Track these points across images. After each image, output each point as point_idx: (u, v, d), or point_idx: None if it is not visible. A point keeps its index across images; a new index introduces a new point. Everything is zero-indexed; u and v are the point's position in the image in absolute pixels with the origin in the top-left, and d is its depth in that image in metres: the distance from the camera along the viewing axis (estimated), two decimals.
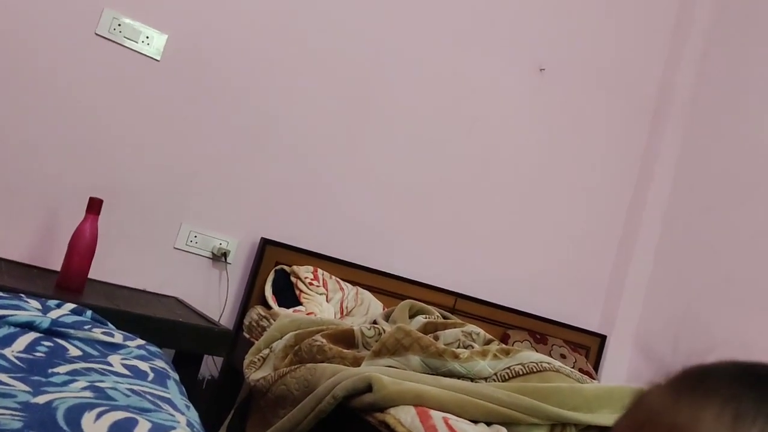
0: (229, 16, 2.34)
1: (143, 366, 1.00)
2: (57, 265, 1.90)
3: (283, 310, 2.17)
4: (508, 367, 1.53)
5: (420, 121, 2.74)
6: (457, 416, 1.32)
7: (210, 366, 2.34)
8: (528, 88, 3.02)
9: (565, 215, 3.17)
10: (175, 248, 2.29)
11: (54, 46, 2.08)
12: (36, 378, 0.80)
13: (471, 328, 1.93)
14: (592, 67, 3.19)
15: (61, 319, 1.10)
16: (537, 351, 2.82)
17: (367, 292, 2.47)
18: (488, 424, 1.35)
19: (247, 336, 2.17)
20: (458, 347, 1.78)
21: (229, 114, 2.36)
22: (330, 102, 2.54)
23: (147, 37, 2.20)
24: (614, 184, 3.32)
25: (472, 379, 1.52)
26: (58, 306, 1.21)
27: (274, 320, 2.01)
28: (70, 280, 1.80)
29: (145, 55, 2.21)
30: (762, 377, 0.42)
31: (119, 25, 2.16)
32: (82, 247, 1.81)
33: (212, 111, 2.33)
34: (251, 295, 2.35)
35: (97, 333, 1.08)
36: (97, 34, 2.14)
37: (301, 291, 2.26)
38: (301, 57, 2.48)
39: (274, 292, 2.30)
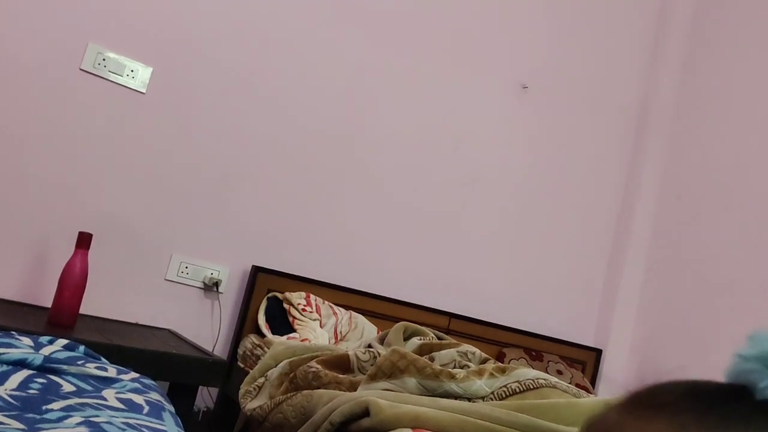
0: (213, 46, 2.35)
1: (138, 399, 0.99)
2: (48, 301, 1.89)
3: (277, 338, 2.16)
4: (505, 385, 1.52)
5: (406, 143, 2.76)
6: None
7: (205, 397, 2.32)
8: (511, 105, 3.05)
9: (555, 231, 3.19)
10: (166, 280, 2.28)
11: (39, 82, 2.09)
12: (30, 415, 0.80)
13: (466, 347, 1.93)
14: (573, 82, 3.22)
15: (53, 355, 1.09)
16: (533, 368, 2.82)
17: (360, 316, 2.46)
18: None
19: (242, 365, 2.16)
20: (454, 368, 1.78)
21: (215, 143, 2.36)
22: (316, 128, 2.56)
23: (132, 71, 2.21)
24: (602, 197, 3.34)
25: (469, 399, 1.51)
26: (51, 342, 1.20)
27: (268, 348, 2.00)
28: (62, 317, 1.79)
29: (131, 88, 2.22)
30: (707, 394, 0.44)
31: (104, 59, 2.17)
32: (72, 283, 1.81)
33: (199, 141, 2.33)
34: (244, 324, 2.34)
35: (91, 368, 1.07)
36: (82, 70, 2.15)
37: (294, 317, 2.26)
38: (285, 85, 2.49)
39: (267, 320, 2.29)
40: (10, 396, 0.86)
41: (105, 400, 0.94)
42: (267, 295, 2.36)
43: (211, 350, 2.28)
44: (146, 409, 0.97)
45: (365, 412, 1.37)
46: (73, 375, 1.02)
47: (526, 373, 1.55)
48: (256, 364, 1.97)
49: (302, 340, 2.13)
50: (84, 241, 1.86)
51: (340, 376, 1.67)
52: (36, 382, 0.94)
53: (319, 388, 1.62)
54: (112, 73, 2.19)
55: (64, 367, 1.02)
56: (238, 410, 1.85)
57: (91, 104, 2.16)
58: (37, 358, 1.02)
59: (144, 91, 2.24)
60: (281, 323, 2.27)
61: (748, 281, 2.81)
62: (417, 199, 2.79)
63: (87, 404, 0.89)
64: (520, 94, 3.08)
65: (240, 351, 2.25)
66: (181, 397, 1.79)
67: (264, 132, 2.46)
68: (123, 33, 2.21)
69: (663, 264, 3.22)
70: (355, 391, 1.56)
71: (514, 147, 3.07)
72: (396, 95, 2.74)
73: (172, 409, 1.09)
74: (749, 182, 2.94)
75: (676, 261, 3.17)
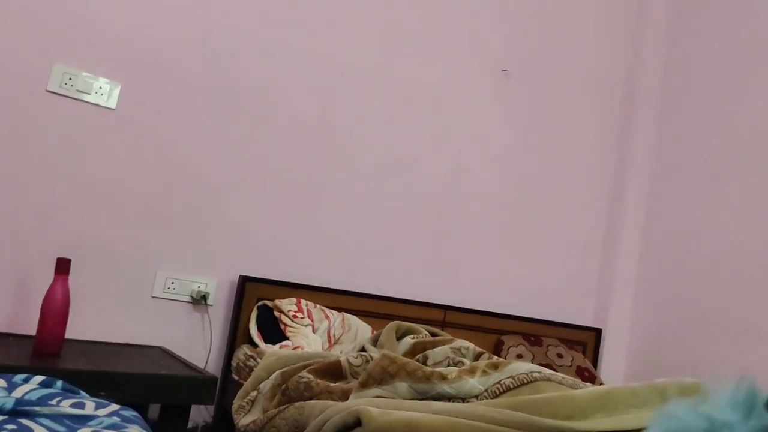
0: (180, 58, 2.31)
1: None
2: (33, 329, 1.85)
3: (269, 347, 2.14)
4: (499, 382, 1.49)
5: (388, 139, 2.73)
6: None
7: (203, 412, 2.29)
8: (493, 91, 3.01)
9: (547, 214, 3.16)
10: (152, 297, 2.25)
11: (5, 108, 2.05)
12: None
13: (460, 343, 1.90)
14: (555, 63, 3.19)
15: (26, 397, 1.06)
16: (532, 353, 2.80)
17: (353, 317, 2.43)
18: None
19: (236, 377, 2.13)
20: (448, 365, 1.76)
21: (192, 156, 2.33)
22: (294, 131, 2.52)
23: (100, 88, 2.17)
24: (593, 176, 3.31)
25: (463, 399, 1.49)
26: (26, 380, 1.16)
27: (261, 359, 1.97)
28: (46, 345, 1.76)
29: (100, 105, 2.18)
30: None
31: (70, 79, 2.13)
32: (54, 311, 1.77)
33: (174, 155, 2.30)
34: (236, 335, 2.31)
35: (66, 406, 1.04)
36: (48, 91, 2.10)
37: (286, 325, 2.23)
38: (258, 90, 2.45)
39: (259, 329, 2.26)
40: None
41: None
42: (257, 304, 2.33)
43: (204, 364, 2.25)
44: None
45: (357, 422, 1.35)
46: (47, 416, 0.98)
47: (519, 367, 1.52)
48: (250, 375, 1.94)
49: (295, 348, 2.11)
50: (63, 266, 1.83)
51: (332, 384, 1.64)
52: (5, 429, 0.91)
53: (311, 398, 1.59)
54: (80, 92, 2.15)
55: (37, 408, 0.99)
56: (235, 424, 1.83)
57: (61, 126, 2.12)
58: (8, 402, 0.98)
59: (114, 107, 2.20)
60: (273, 331, 2.24)
61: (745, 252, 2.78)
62: (403, 193, 2.76)
63: None
64: (502, 79, 3.04)
65: (233, 363, 2.22)
66: (174, 418, 1.77)
67: (240, 140, 2.42)
68: (87, 51, 2.17)
69: (659, 239, 3.20)
70: (348, 399, 1.53)
71: (500, 132, 3.04)
72: (374, 92, 2.70)
73: None
74: (740, 151, 2.91)
75: (671, 235, 3.14)
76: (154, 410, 1.82)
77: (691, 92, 3.20)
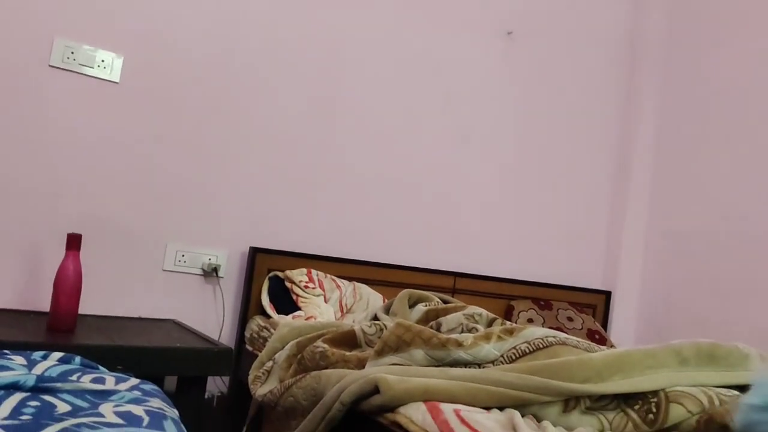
0: (182, 28, 2.28)
1: (137, 410, 0.96)
2: (47, 305, 1.86)
3: (282, 318, 2.14)
4: (514, 347, 1.50)
5: (393, 105, 2.70)
6: (469, 406, 1.29)
7: (218, 382, 2.31)
8: (499, 53, 2.98)
9: (555, 177, 3.14)
10: (164, 270, 2.25)
11: (8, 84, 2.03)
12: None
13: (472, 309, 1.90)
14: (559, 21, 3.14)
15: (47, 373, 1.07)
16: (543, 317, 2.81)
17: (364, 286, 2.44)
18: (501, 408, 1.32)
19: (250, 348, 2.14)
20: (462, 331, 1.76)
21: (198, 127, 2.31)
22: (299, 100, 2.50)
23: (102, 61, 2.15)
24: (600, 137, 3.28)
25: (479, 365, 1.49)
26: (45, 357, 1.17)
27: (275, 329, 1.98)
28: (61, 321, 1.77)
29: (104, 79, 2.16)
30: None
31: (72, 53, 2.10)
32: (67, 287, 1.78)
33: (181, 127, 2.28)
34: (248, 306, 2.31)
35: (86, 382, 1.04)
36: (51, 66, 2.08)
37: (297, 295, 2.23)
38: (260, 57, 2.42)
39: (271, 300, 2.27)
40: (3, 426, 0.83)
41: (102, 416, 0.92)
42: (268, 275, 2.34)
43: (217, 336, 2.27)
44: (146, 420, 0.94)
45: (375, 390, 1.35)
46: (68, 392, 0.99)
47: (534, 332, 1.52)
48: (264, 346, 1.95)
49: (307, 318, 2.11)
50: (73, 242, 1.82)
51: (348, 353, 1.65)
52: (29, 406, 0.91)
53: (327, 367, 1.60)
54: (83, 65, 2.13)
55: (59, 384, 0.99)
56: (251, 395, 1.84)
57: (65, 100, 2.10)
58: (30, 379, 0.99)
59: (118, 80, 2.18)
60: (285, 302, 2.25)
61: (754, 209, 2.77)
62: (411, 160, 2.74)
63: (83, 424, 0.87)
64: (506, 41, 3.00)
65: (247, 334, 2.23)
66: (191, 389, 1.79)
67: (246, 110, 2.40)
68: (89, 24, 2.14)
69: (667, 200, 3.18)
70: (364, 368, 1.54)
71: (505, 95, 3.01)
72: (377, 57, 2.67)
73: (176, 413, 1.06)
74: (749, 106, 2.88)
75: (680, 194, 3.13)
76: (171, 382, 1.83)
77: (697, 50, 3.16)
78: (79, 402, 0.97)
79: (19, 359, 1.11)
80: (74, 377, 1.08)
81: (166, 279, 2.26)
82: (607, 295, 3.20)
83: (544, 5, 3.10)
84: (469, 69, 2.90)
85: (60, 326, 1.76)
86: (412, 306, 2.09)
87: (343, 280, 2.40)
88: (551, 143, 3.13)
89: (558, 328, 2.66)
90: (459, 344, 1.50)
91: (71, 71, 2.11)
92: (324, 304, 2.24)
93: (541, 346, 1.48)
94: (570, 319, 2.89)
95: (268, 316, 2.21)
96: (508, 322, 1.78)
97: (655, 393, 1.28)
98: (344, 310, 2.31)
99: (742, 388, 1.33)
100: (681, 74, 3.22)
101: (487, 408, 1.31)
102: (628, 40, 3.35)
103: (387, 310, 2.13)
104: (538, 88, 3.10)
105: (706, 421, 1.13)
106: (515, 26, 3.00)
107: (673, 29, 3.29)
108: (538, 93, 3.10)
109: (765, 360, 1.56)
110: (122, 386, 1.08)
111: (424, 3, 2.77)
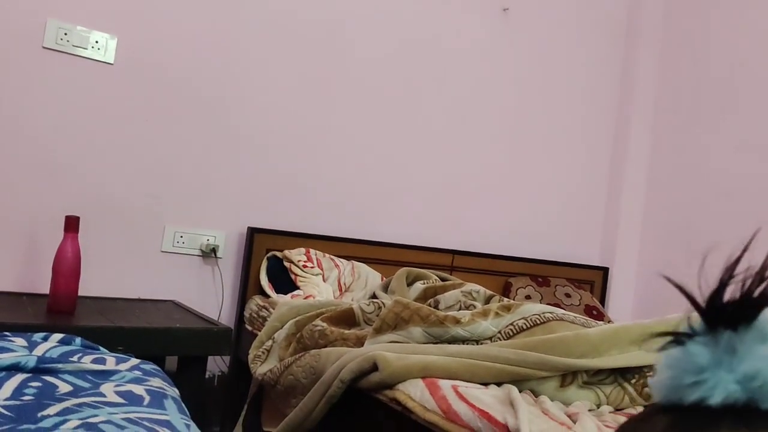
0: (177, 9, 2.26)
1: (138, 390, 0.97)
2: (46, 288, 1.86)
3: (281, 297, 2.15)
4: (512, 323, 1.51)
5: (388, 82, 2.69)
6: (467, 382, 1.31)
7: (219, 362, 2.33)
8: (494, 31, 2.96)
9: (550, 154, 3.14)
10: (162, 251, 2.25)
11: (2, 67, 2.01)
12: (25, 426, 0.78)
13: (470, 286, 1.91)
14: (555, 0, 3.12)
15: (48, 354, 1.07)
16: (540, 294, 2.83)
17: (363, 265, 2.44)
18: (498, 384, 1.34)
19: (250, 328, 2.15)
20: (460, 309, 1.77)
21: (193, 108, 2.30)
22: (294, 78, 2.48)
23: (96, 42, 2.13)
24: (595, 115, 3.28)
25: (477, 342, 1.50)
26: (45, 338, 1.18)
27: (274, 309, 1.99)
28: (60, 303, 1.77)
29: (98, 60, 2.14)
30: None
31: (65, 34, 2.08)
32: (66, 269, 1.78)
33: (176, 107, 2.27)
34: (247, 286, 2.32)
35: (87, 362, 1.05)
36: (45, 48, 2.07)
37: (296, 275, 2.24)
38: (257, 35, 2.41)
39: (269, 280, 2.28)
40: (4, 407, 0.84)
41: (104, 396, 0.93)
42: (266, 255, 2.34)
43: (217, 316, 2.28)
44: (147, 399, 0.95)
45: (374, 367, 1.37)
46: (69, 373, 1.00)
47: (531, 308, 1.53)
48: (263, 325, 1.96)
49: (306, 297, 2.12)
50: (72, 224, 1.82)
51: (346, 331, 1.66)
52: (30, 386, 0.92)
53: (326, 346, 1.61)
54: (77, 47, 2.11)
55: (59, 365, 1.00)
56: (251, 374, 1.86)
57: (59, 82, 2.09)
58: (31, 360, 0.99)
59: (112, 61, 2.16)
60: (284, 282, 2.26)
61: (750, 185, 2.77)
62: (409, 139, 2.73)
63: (84, 404, 0.88)
64: (502, 17, 2.98)
65: (246, 314, 2.24)
66: (191, 369, 1.80)
67: (242, 90, 2.38)
68: (82, 4, 2.12)
69: (664, 175, 3.18)
70: (362, 345, 1.55)
71: (501, 74, 2.99)
72: (371, 35, 2.65)
73: (176, 392, 1.07)
74: (744, 83, 2.87)
75: (677, 171, 3.13)
76: (171, 363, 1.85)
77: (694, 24, 3.14)
78: (80, 382, 0.97)
79: (19, 341, 1.11)
80: (75, 358, 1.09)
81: (165, 260, 2.26)
82: (605, 271, 3.21)
83: None
84: (466, 47, 2.88)
85: (60, 308, 1.77)
86: (410, 284, 2.10)
87: (341, 259, 2.41)
88: (548, 121, 3.13)
89: (556, 305, 2.67)
90: (457, 321, 1.51)
91: (65, 53, 2.10)
92: (322, 283, 2.25)
93: (538, 322, 1.50)
94: (568, 295, 2.90)
95: (267, 296, 2.22)
96: (505, 299, 1.79)
97: (651, 367, 1.29)
98: (343, 289, 2.32)
99: None
100: (677, 50, 3.20)
101: (485, 384, 1.32)
102: (625, 14, 3.33)
103: (385, 289, 2.15)
104: (534, 66, 3.08)
105: None
106: (511, 3, 2.98)
107: (670, 6, 3.27)
108: (535, 70, 3.09)
109: None
110: (123, 366, 1.09)
111: None
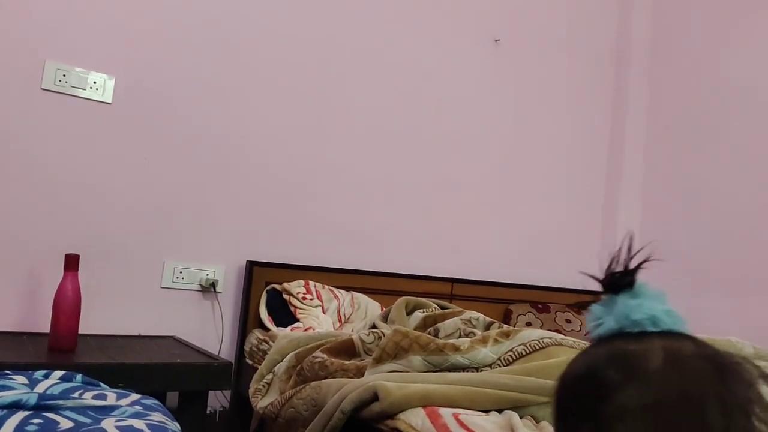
0: (173, 49, 2.30)
1: (139, 425, 0.98)
2: (46, 326, 1.87)
3: (281, 330, 2.15)
4: (511, 350, 1.51)
5: (383, 114, 2.72)
6: (467, 409, 1.31)
7: (219, 397, 2.32)
8: (486, 60, 3.00)
9: (547, 180, 3.16)
10: (162, 288, 2.26)
11: (1, 108, 2.04)
12: None
13: (470, 314, 1.92)
14: (545, 29, 3.17)
15: (49, 391, 1.08)
16: (541, 320, 2.82)
17: (362, 296, 2.45)
18: (499, 411, 1.33)
19: (250, 362, 2.15)
20: (459, 336, 1.77)
21: (191, 145, 2.33)
22: (290, 114, 2.52)
23: (94, 82, 2.17)
24: (589, 140, 3.31)
25: (477, 369, 1.50)
26: (46, 376, 1.18)
27: (274, 342, 1.99)
28: (61, 342, 1.78)
29: (96, 100, 2.18)
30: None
31: (64, 75, 2.12)
32: (66, 307, 1.79)
33: (174, 145, 2.30)
34: (247, 320, 2.33)
35: (88, 398, 1.06)
36: (43, 89, 2.10)
37: (295, 307, 2.25)
38: (250, 72, 2.45)
39: (269, 313, 2.28)
40: None
41: (105, 431, 0.93)
42: (266, 288, 2.35)
43: (217, 351, 2.27)
44: None
45: (375, 397, 1.37)
46: (71, 409, 1.00)
47: (530, 334, 1.54)
48: (264, 359, 1.96)
49: (306, 329, 2.13)
50: (72, 263, 1.84)
51: (346, 362, 1.66)
52: (32, 423, 0.93)
53: (326, 377, 1.61)
54: (75, 87, 2.15)
55: (61, 402, 1.01)
56: (252, 408, 1.85)
57: (58, 123, 2.12)
58: (32, 398, 1.00)
59: (110, 101, 2.20)
60: (284, 314, 2.26)
61: (745, 205, 2.79)
62: (403, 168, 2.76)
63: None
64: (494, 48, 3.03)
65: (246, 348, 2.24)
66: (192, 404, 1.80)
67: (238, 127, 2.42)
68: (79, 46, 2.16)
69: (659, 199, 3.21)
70: (363, 376, 1.55)
71: (495, 102, 3.03)
72: (365, 68, 2.69)
73: (177, 427, 1.08)
74: (733, 103, 2.91)
75: (672, 194, 3.15)
76: (172, 398, 1.85)
77: (682, 48, 3.19)
78: (81, 418, 0.98)
79: (20, 379, 1.12)
80: (76, 394, 1.09)
81: (165, 296, 2.27)
82: None
83: (529, 14, 3.13)
84: (459, 76, 2.93)
85: (61, 346, 1.77)
86: (410, 313, 2.10)
87: (340, 290, 2.41)
88: (543, 148, 3.16)
89: (557, 331, 2.67)
90: (456, 349, 1.52)
91: (64, 93, 2.13)
92: (322, 314, 2.26)
93: (537, 347, 1.50)
94: (568, 321, 2.90)
95: (267, 329, 2.22)
96: (505, 326, 1.80)
97: None
98: (343, 320, 2.32)
99: None
100: (667, 76, 3.25)
101: (486, 411, 1.32)
102: (614, 44, 3.38)
103: (385, 318, 2.15)
104: (527, 95, 3.12)
105: None
106: (502, 34, 3.03)
107: (658, 32, 3.32)
108: (528, 99, 3.13)
109: (759, 353, 1.58)
110: (124, 402, 1.09)
111: (413, 14, 2.80)
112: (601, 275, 0.69)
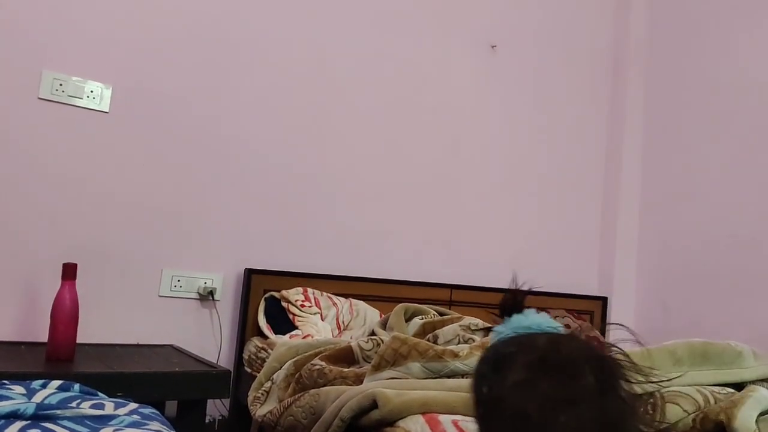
0: (169, 57, 2.31)
1: None
2: (44, 336, 1.86)
3: (279, 338, 2.15)
4: None
5: (380, 121, 2.73)
6: (467, 416, 1.30)
7: (219, 405, 2.31)
8: (483, 67, 3.01)
9: (545, 185, 3.16)
10: (160, 296, 2.26)
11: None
12: None
13: (469, 320, 1.92)
14: (541, 34, 3.18)
15: (46, 401, 1.07)
16: None
17: (361, 302, 2.45)
18: None
19: (249, 370, 2.15)
20: (459, 342, 1.77)
21: (189, 153, 2.33)
22: (287, 120, 2.52)
23: (91, 91, 2.17)
24: (587, 144, 3.31)
25: None
26: (44, 385, 1.18)
27: (273, 350, 1.99)
28: (59, 351, 1.77)
29: (93, 109, 2.18)
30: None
31: (61, 84, 2.12)
32: (64, 316, 1.78)
33: (170, 153, 2.30)
34: (246, 328, 2.32)
35: (86, 408, 1.05)
36: (40, 99, 2.10)
37: (294, 314, 2.24)
38: (249, 82, 2.45)
39: (268, 321, 2.28)
40: None
41: None
42: (264, 296, 2.35)
43: (216, 359, 2.27)
44: None
45: (374, 404, 1.36)
46: (68, 419, 1.00)
47: None
48: (262, 367, 1.96)
49: (304, 337, 2.12)
50: (69, 272, 1.83)
51: (345, 370, 1.66)
52: None
53: (325, 385, 1.61)
54: (72, 96, 2.15)
55: (58, 412, 1.00)
56: (251, 416, 1.85)
57: (56, 132, 2.12)
58: (30, 407, 0.99)
59: (107, 110, 2.20)
60: (282, 322, 2.26)
61: (743, 208, 2.79)
62: (402, 175, 2.76)
63: None
64: (490, 54, 3.04)
65: (245, 356, 2.24)
66: (191, 412, 1.79)
67: (236, 133, 2.42)
68: (76, 55, 2.16)
69: (657, 201, 3.21)
70: (362, 383, 1.55)
71: (492, 108, 3.04)
72: (363, 75, 2.70)
73: None
74: (731, 105, 2.92)
75: (669, 196, 3.15)
76: (171, 407, 1.84)
77: (678, 50, 3.20)
78: (79, 428, 0.97)
79: (18, 388, 1.11)
80: (74, 404, 1.09)
81: (163, 304, 2.27)
82: (604, 300, 3.21)
83: (525, 19, 3.14)
84: (456, 82, 2.93)
85: (59, 355, 1.77)
86: (408, 320, 2.10)
87: (339, 297, 2.41)
88: (540, 153, 3.16)
89: None
90: (455, 355, 1.52)
91: (61, 103, 2.13)
92: (321, 322, 2.25)
93: None
94: (568, 326, 2.88)
95: (266, 337, 2.22)
96: None
97: (650, 394, 1.29)
98: (341, 327, 2.32)
99: (737, 386, 1.34)
100: (664, 79, 3.26)
101: None
102: (611, 48, 3.39)
103: (384, 325, 2.14)
104: (525, 101, 3.13)
105: (701, 420, 1.14)
106: (498, 40, 3.04)
107: (654, 36, 3.33)
108: (525, 105, 3.13)
109: (757, 356, 1.58)
110: (122, 411, 1.09)
111: (410, 20, 2.81)
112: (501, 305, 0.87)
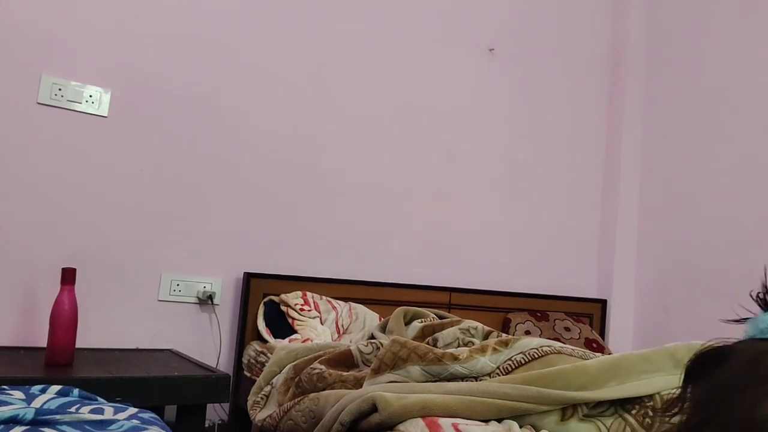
0: (168, 61, 2.31)
1: None
2: (43, 341, 1.86)
3: (279, 342, 2.15)
4: (510, 358, 1.51)
5: (379, 125, 2.73)
6: (467, 419, 1.30)
7: (218, 410, 2.31)
8: (481, 69, 3.01)
9: (544, 188, 3.17)
10: (159, 300, 2.26)
11: None
12: None
13: (468, 323, 1.91)
14: (540, 37, 3.19)
15: (45, 406, 1.07)
16: (540, 329, 2.82)
17: (360, 306, 2.45)
18: (499, 420, 1.33)
19: (248, 374, 2.14)
20: (458, 346, 1.77)
21: (187, 158, 2.33)
22: (285, 124, 2.52)
23: (90, 96, 2.17)
24: (586, 147, 3.32)
25: (476, 378, 1.50)
26: (43, 390, 1.17)
27: (272, 354, 1.99)
28: (58, 356, 1.77)
29: (92, 114, 2.18)
30: None
31: (60, 89, 2.12)
32: (63, 321, 1.78)
33: (170, 157, 2.30)
34: (245, 332, 2.32)
35: (85, 413, 1.05)
36: (39, 103, 2.10)
37: (293, 318, 2.24)
38: (247, 86, 2.45)
39: (267, 325, 2.28)
40: None
41: None
42: (263, 300, 2.34)
43: (215, 364, 2.27)
44: None
45: (373, 408, 1.36)
46: (68, 424, 0.99)
47: (528, 342, 1.53)
48: (262, 371, 1.95)
49: (304, 341, 2.12)
50: (68, 276, 1.83)
51: (345, 373, 1.65)
52: None
53: (325, 389, 1.60)
54: (71, 101, 2.15)
55: (58, 417, 1.00)
56: (251, 420, 1.84)
57: (55, 136, 2.12)
58: (29, 413, 0.99)
59: (106, 114, 2.20)
60: (281, 326, 2.26)
61: (742, 210, 2.79)
62: (400, 178, 2.76)
63: None
64: (489, 58, 3.04)
65: (244, 360, 2.23)
66: (191, 418, 1.79)
67: (233, 138, 2.42)
68: (75, 60, 2.16)
69: (656, 204, 3.21)
70: (361, 387, 1.55)
71: (491, 111, 3.04)
72: (361, 80, 2.70)
73: None
74: (729, 107, 2.92)
75: (668, 199, 3.15)
76: (171, 411, 1.84)
77: (677, 56, 3.21)
78: None
79: (17, 394, 1.11)
80: (73, 409, 1.08)
81: (162, 309, 2.26)
82: (603, 303, 3.21)
83: (523, 22, 3.15)
84: (455, 86, 2.94)
85: (58, 360, 1.76)
86: (408, 323, 2.10)
87: (338, 301, 2.41)
88: (539, 156, 3.16)
89: (556, 339, 2.67)
90: (455, 358, 1.51)
91: (60, 108, 2.13)
92: (320, 325, 2.25)
93: (536, 356, 1.49)
94: (567, 329, 2.90)
95: (265, 341, 2.22)
96: (504, 335, 1.79)
97: (651, 397, 1.29)
98: (341, 331, 2.32)
99: None
100: (662, 83, 3.26)
101: (486, 420, 1.31)
102: (609, 52, 3.40)
103: (383, 329, 2.14)
104: (523, 103, 3.13)
105: None
106: (496, 43, 3.04)
107: (652, 40, 3.34)
108: (524, 108, 3.14)
109: None
110: (121, 416, 1.09)
111: (409, 25, 2.81)
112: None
